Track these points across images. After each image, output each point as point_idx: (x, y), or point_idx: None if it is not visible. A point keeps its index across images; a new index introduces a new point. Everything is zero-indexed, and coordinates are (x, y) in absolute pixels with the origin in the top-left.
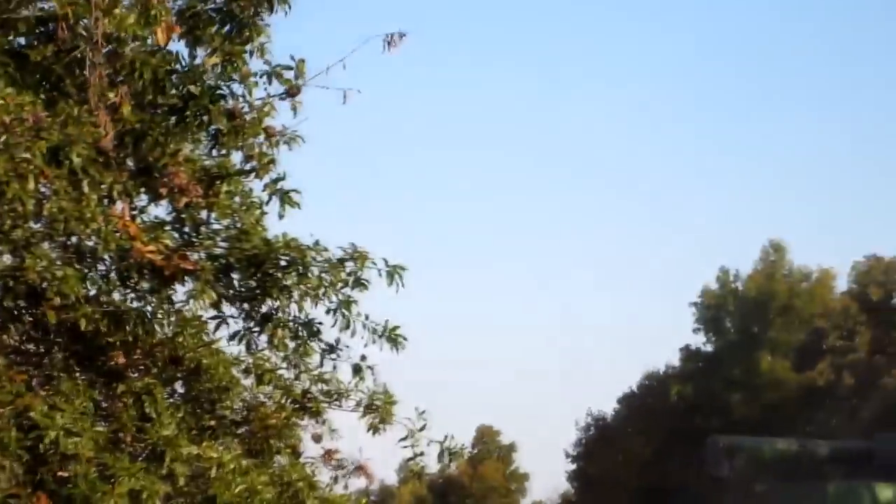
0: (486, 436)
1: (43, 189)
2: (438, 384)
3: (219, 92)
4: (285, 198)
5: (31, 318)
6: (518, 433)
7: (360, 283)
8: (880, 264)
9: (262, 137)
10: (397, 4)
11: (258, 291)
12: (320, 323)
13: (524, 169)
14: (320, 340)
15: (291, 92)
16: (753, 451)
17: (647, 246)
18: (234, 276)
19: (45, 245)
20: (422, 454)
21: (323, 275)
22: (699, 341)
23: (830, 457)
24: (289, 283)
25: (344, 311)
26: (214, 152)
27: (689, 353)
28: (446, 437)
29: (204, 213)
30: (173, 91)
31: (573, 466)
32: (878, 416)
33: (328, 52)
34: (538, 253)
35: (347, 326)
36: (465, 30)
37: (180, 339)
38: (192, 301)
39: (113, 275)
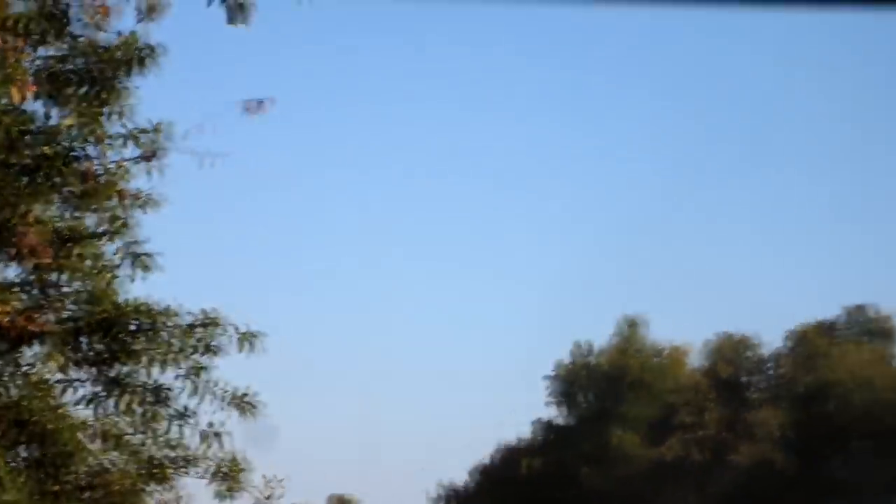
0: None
1: None
2: (291, 452)
3: (73, 154)
4: (138, 261)
5: None
6: (371, 503)
7: (210, 350)
8: (731, 342)
9: (115, 200)
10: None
11: (108, 355)
12: (169, 389)
13: (384, 238)
14: (169, 406)
15: (148, 155)
16: None
17: (507, 318)
18: (84, 339)
19: None
20: None
21: (173, 340)
22: (552, 414)
23: None
24: (138, 347)
25: (194, 377)
26: (68, 214)
27: (542, 426)
28: None
29: (55, 275)
30: (27, 151)
31: None
32: (726, 493)
33: (207, 113)
34: (392, 318)
35: (197, 392)
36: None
37: (26, 403)
38: (39, 364)
39: None
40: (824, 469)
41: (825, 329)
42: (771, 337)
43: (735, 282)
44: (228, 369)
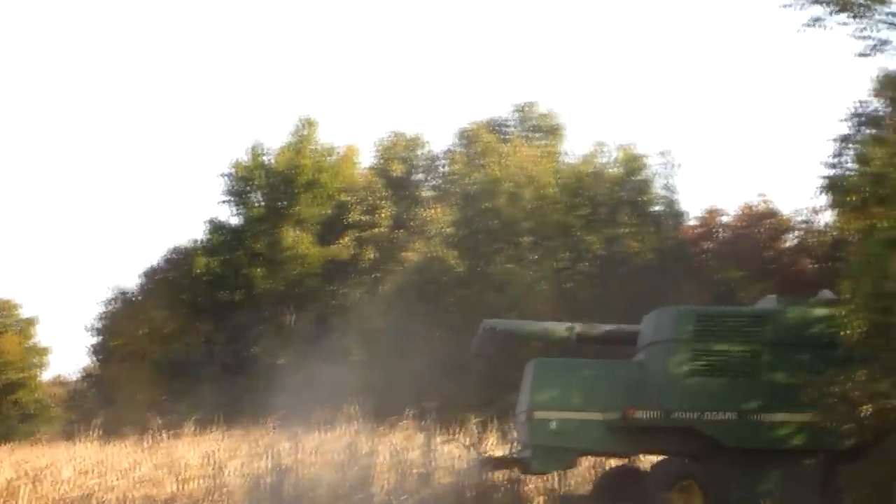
0: (3, 309)
1: None
2: None
3: None
4: None
5: None
6: (38, 308)
7: None
8: (402, 140)
9: None
10: None
11: None
12: None
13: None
14: None
15: None
16: (524, 333)
17: (179, 121)
18: None
19: None
20: None
21: None
22: (227, 214)
23: (602, 339)
24: None
25: None
26: None
27: (214, 226)
28: None
29: None
30: None
31: (96, 340)
32: (398, 290)
33: None
34: (54, 113)
35: None
36: None
37: None
38: None
39: None
40: (492, 264)
41: (496, 126)
42: (443, 136)
43: (409, 84)
44: None
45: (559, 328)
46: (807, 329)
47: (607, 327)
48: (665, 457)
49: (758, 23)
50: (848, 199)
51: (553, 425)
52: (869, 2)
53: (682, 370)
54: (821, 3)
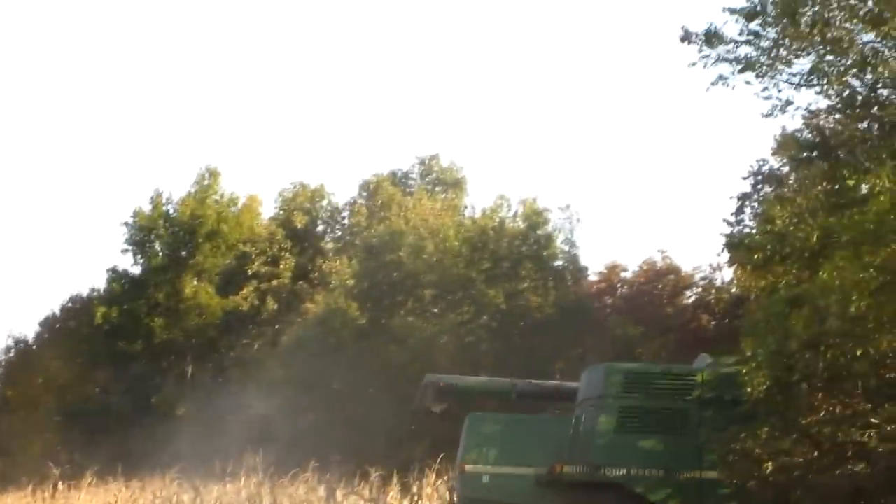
0: None
1: None
2: None
3: None
4: None
5: None
6: None
7: None
8: (306, 192)
9: None
10: None
11: None
12: None
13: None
14: None
15: None
16: (465, 388)
17: (81, 168)
18: None
19: None
20: None
21: None
22: (128, 263)
23: (543, 395)
24: None
25: None
26: None
27: (115, 275)
28: None
29: None
30: None
31: None
32: (299, 342)
33: None
34: None
35: None
36: None
37: None
38: None
39: None
40: (394, 317)
41: (398, 178)
42: (347, 188)
43: (312, 134)
44: None
45: (501, 384)
46: (731, 387)
47: (548, 384)
48: None
49: (663, 80)
50: (751, 257)
51: (484, 479)
52: (772, 63)
53: (611, 426)
54: (727, 62)
